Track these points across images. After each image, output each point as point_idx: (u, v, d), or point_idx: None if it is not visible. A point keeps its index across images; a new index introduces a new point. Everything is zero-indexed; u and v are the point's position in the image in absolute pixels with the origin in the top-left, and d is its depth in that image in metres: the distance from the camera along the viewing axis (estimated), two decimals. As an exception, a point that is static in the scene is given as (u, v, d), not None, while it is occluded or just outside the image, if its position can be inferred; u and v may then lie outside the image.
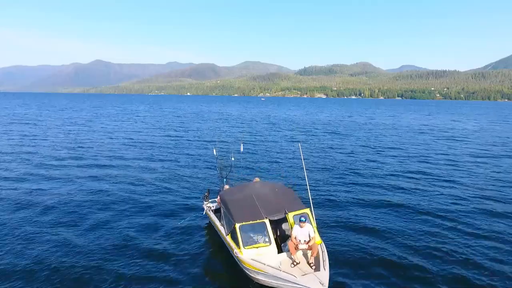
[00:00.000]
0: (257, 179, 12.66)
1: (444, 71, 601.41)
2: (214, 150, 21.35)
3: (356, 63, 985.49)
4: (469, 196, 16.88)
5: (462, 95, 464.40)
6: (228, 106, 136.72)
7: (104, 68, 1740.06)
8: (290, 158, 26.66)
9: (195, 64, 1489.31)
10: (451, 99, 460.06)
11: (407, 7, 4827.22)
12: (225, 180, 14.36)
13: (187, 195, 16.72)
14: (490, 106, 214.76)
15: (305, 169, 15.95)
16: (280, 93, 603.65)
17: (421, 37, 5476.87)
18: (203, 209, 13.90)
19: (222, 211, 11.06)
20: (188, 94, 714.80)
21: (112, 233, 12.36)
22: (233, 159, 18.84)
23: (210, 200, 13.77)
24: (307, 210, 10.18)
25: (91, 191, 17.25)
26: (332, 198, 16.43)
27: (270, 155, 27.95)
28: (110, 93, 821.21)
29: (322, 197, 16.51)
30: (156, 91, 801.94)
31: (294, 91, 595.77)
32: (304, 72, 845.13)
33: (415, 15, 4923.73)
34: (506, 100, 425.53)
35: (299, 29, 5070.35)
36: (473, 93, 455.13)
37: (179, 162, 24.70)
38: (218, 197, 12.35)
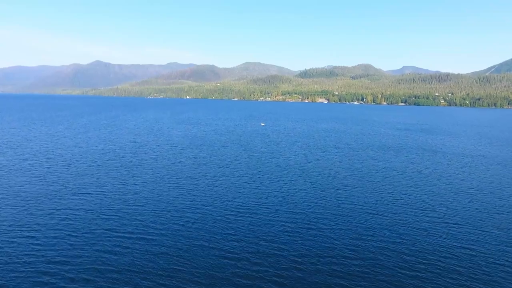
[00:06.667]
0: None
1: (448, 74, 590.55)
2: None
3: (358, 64, 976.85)
4: None
5: (467, 101, 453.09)
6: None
7: (104, 69, 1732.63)
8: None
9: (195, 65, 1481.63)
10: (456, 105, 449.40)
11: (407, 7, 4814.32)
12: None
13: None
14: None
15: None
16: (280, 97, 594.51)
17: (421, 37, 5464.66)
18: None
19: None
20: (188, 97, 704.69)
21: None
22: None
23: None
24: None
25: None
26: None
27: None
28: (109, 95, 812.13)
29: None
30: (155, 94, 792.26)
31: (295, 95, 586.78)
32: (305, 74, 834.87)
33: (415, 15, 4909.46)
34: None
35: (299, 29, 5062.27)
36: (479, 99, 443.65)
37: None
38: None
